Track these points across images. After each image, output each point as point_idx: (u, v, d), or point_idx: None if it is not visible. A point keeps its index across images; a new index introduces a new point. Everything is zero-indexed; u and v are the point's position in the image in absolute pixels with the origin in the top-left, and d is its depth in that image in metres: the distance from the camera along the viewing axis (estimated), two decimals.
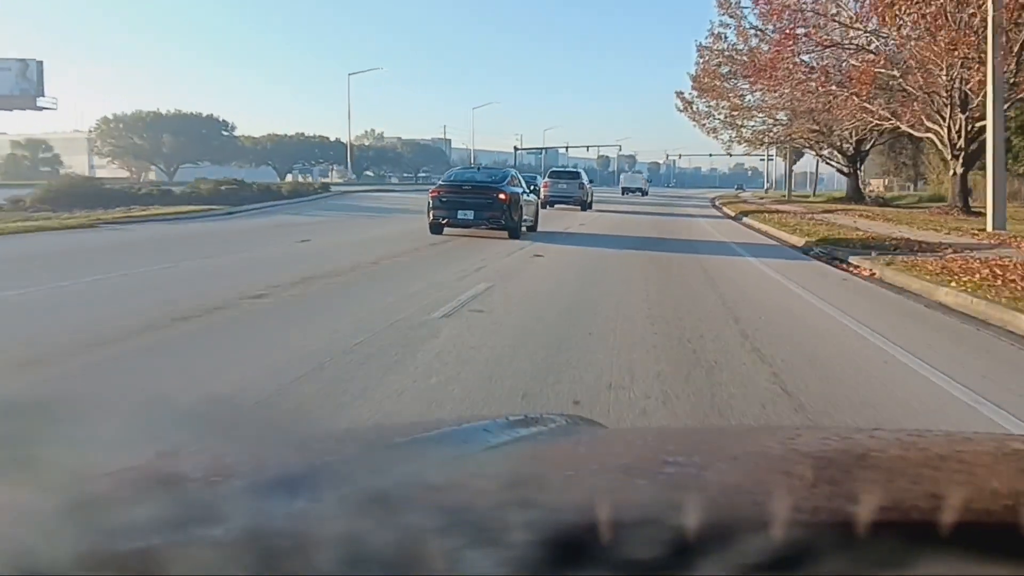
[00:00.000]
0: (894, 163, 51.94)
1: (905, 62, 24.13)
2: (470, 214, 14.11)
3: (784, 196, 49.01)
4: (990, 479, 0.74)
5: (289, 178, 60.23)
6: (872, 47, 25.34)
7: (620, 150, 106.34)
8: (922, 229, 17.68)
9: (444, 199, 14.37)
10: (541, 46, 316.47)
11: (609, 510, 0.52)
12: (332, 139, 78.11)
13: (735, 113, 37.25)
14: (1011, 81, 20.41)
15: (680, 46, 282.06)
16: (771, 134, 40.92)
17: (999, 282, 8.22)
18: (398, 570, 0.49)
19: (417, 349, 5.04)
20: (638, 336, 5.78)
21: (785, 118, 37.35)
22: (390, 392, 4.12)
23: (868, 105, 26.83)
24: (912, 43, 22.68)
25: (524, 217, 15.06)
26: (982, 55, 18.96)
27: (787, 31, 25.08)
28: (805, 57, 26.54)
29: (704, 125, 38.93)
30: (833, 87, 26.49)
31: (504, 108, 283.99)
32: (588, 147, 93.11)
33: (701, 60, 34.37)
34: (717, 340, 5.70)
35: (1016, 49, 20.59)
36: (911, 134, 29.18)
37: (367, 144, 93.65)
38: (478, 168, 18.43)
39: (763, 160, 74.46)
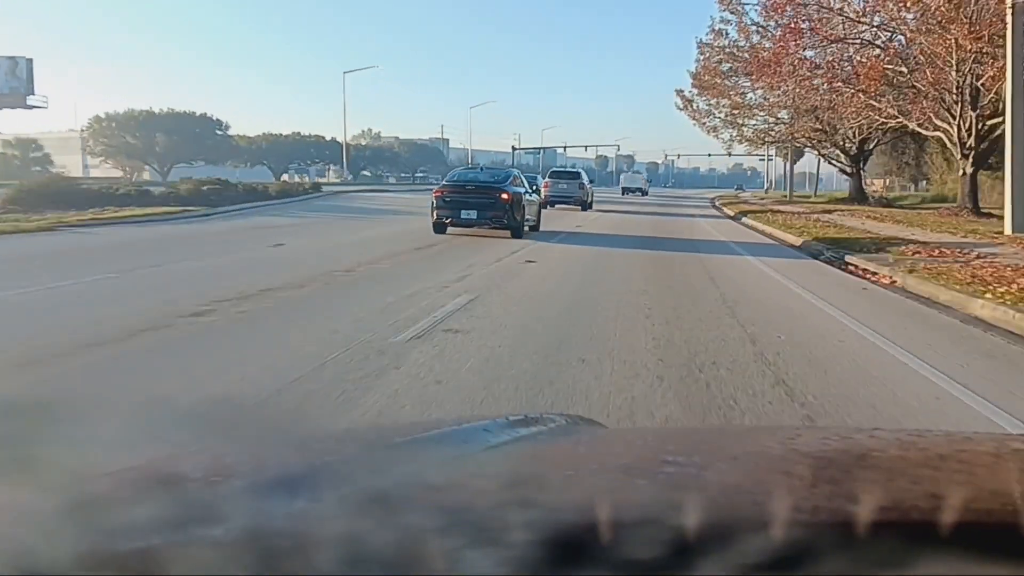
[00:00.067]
0: (896, 163, 51.61)
1: (914, 57, 23.69)
2: (473, 214, 14.16)
3: (785, 196, 48.88)
4: (990, 479, 0.74)
5: (285, 178, 60.01)
6: (879, 42, 24.99)
7: (618, 150, 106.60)
8: (936, 231, 16.62)
9: (448, 199, 14.41)
10: (540, 46, 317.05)
11: (609, 510, 0.52)
12: (328, 139, 77.76)
13: (736, 111, 37.15)
14: None
15: (680, 46, 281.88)
16: (773, 133, 40.68)
17: None
18: (398, 570, 0.49)
19: (370, 386, 4.12)
20: (640, 355, 5.73)
21: (787, 117, 37.14)
22: None
23: (875, 103, 26.19)
24: (922, 37, 22.09)
25: (527, 217, 15.12)
26: (996, 48, 17.94)
27: (791, 25, 24.66)
28: (809, 53, 26.19)
29: (704, 124, 38.81)
30: (840, 83, 25.95)
31: (502, 108, 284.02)
32: (586, 147, 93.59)
33: (702, 57, 34.30)
34: (733, 365, 4.87)
35: None
36: (916, 133, 28.67)
37: (364, 144, 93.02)
38: (481, 168, 18.38)
39: (762, 160, 74.41)
